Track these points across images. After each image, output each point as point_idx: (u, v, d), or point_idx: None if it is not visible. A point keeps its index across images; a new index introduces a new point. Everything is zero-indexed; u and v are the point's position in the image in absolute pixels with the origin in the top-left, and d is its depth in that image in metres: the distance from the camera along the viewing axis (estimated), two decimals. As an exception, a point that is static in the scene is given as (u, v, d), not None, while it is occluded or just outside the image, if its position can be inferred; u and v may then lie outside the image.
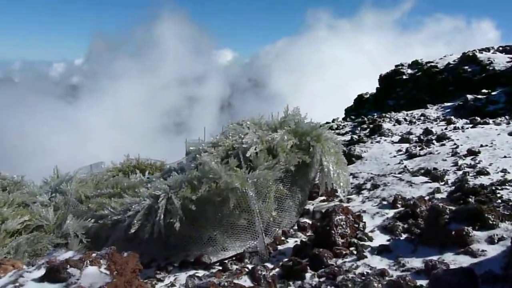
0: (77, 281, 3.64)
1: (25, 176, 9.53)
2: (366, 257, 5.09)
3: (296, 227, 6.86)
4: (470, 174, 7.69)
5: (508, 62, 22.29)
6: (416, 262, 4.71)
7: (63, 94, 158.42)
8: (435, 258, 4.62)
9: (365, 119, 18.81)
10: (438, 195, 6.99)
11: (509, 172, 7.50)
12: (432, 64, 26.31)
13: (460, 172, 8.00)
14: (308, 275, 4.89)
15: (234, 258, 5.98)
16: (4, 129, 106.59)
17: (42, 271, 4.01)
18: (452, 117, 14.68)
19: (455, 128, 12.42)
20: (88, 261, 4.09)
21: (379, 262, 4.94)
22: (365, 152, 11.28)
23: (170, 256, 6.39)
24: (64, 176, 8.00)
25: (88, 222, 6.32)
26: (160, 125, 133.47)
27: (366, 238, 5.64)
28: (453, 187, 7.15)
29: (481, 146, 9.59)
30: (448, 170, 8.25)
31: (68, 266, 3.87)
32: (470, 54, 24.20)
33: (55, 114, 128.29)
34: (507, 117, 13.61)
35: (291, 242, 6.27)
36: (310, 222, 6.92)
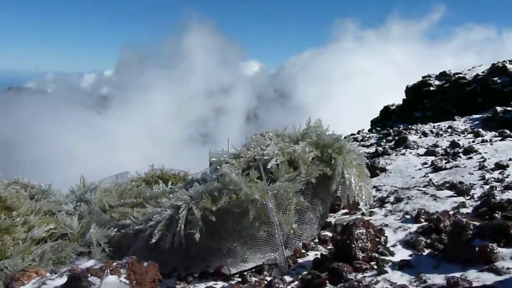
0: (96, 290, 3.73)
1: (53, 185, 9.81)
2: (386, 272, 5.01)
3: (317, 240, 6.81)
4: (498, 189, 7.47)
5: (540, 73, 21.67)
6: (438, 279, 4.61)
7: (94, 105, 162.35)
8: (457, 275, 4.50)
9: (391, 131, 18.56)
10: (463, 210, 6.83)
11: (538, 187, 7.27)
12: (460, 75, 25.78)
13: (487, 187, 7.79)
14: (327, 289, 4.85)
15: (253, 270, 5.98)
16: (36, 138, 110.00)
17: (64, 279, 4.12)
18: (481, 129, 14.30)
19: (483, 141, 12.12)
20: (108, 270, 4.18)
21: (399, 278, 4.84)
22: (389, 164, 11.13)
23: (191, 267, 6.44)
24: (89, 185, 8.19)
25: (111, 231, 6.44)
26: (187, 136, 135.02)
27: (387, 253, 5.54)
28: (479, 202, 6.97)
29: (510, 159, 9.31)
30: (474, 184, 8.05)
31: (89, 274, 3.96)
32: (500, 65, 23.60)
33: (85, 124, 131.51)
34: (538, 130, 13.18)
35: (311, 255, 6.23)
36: (331, 235, 6.87)
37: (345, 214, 7.95)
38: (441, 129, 16.10)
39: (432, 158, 11.03)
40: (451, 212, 6.65)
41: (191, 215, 5.94)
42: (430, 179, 9.03)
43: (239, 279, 5.77)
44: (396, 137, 15.65)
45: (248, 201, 5.87)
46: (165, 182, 8.94)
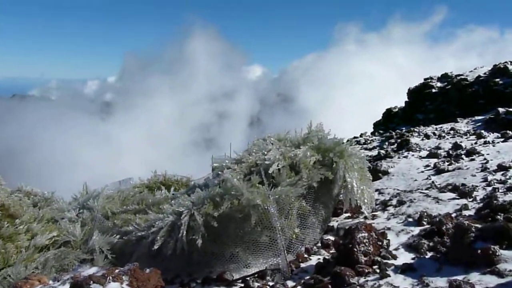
0: (98, 297, 3.74)
1: (57, 192, 9.86)
2: (389, 276, 4.99)
3: (319, 244, 6.80)
4: (500, 190, 7.46)
5: (542, 73, 21.63)
6: (440, 282, 4.59)
7: (97, 111, 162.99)
8: (460, 277, 4.49)
9: (393, 133, 18.57)
10: (465, 212, 6.82)
11: (541, 188, 7.25)
12: (462, 77, 25.76)
13: (489, 188, 7.78)
14: (329, 293, 4.84)
15: (256, 275, 5.97)
16: (40, 145, 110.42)
17: (66, 287, 4.14)
18: (483, 131, 14.30)
19: (485, 143, 12.11)
20: (110, 277, 4.20)
21: (402, 281, 4.83)
22: (392, 167, 11.13)
23: (193, 273, 6.44)
24: (92, 192, 8.22)
25: (114, 238, 6.45)
26: (190, 141, 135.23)
27: (389, 256, 5.53)
28: (482, 204, 6.96)
29: (512, 161, 9.30)
30: (477, 186, 8.04)
31: (91, 282, 3.99)
32: (502, 66, 23.57)
33: (89, 130, 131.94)
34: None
35: (314, 260, 6.22)
36: (334, 239, 6.86)
37: (348, 218, 7.93)
38: (444, 131, 16.09)
39: (435, 160, 11.03)
40: (453, 215, 6.63)
41: (193, 221, 5.94)
42: (433, 182, 9.02)
43: (242, 285, 5.76)
44: (399, 140, 15.66)
45: (250, 206, 5.87)
46: (168, 188, 8.95)
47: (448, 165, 10.13)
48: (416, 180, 9.73)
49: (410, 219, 6.98)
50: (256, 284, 5.60)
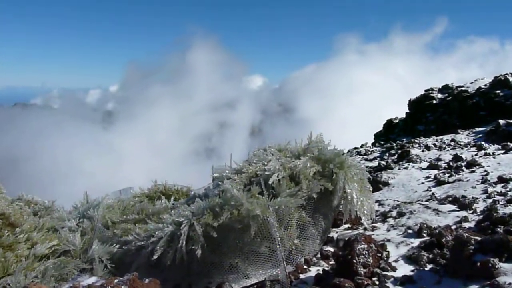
0: (96, 307, 3.74)
1: (58, 200, 9.88)
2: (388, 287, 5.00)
3: (319, 255, 6.79)
4: (500, 203, 7.47)
5: (543, 85, 21.69)
6: (439, 294, 4.60)
7: (99, 120, 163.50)
8: (459, 290, 4.49)
9: (394, 144, 18.57)
10: (465, 224, 6.82)
11: (541, 201, 7.25)
12: (463, 88, 25.85)
13: (489, 200, 7.79)
14: (328, 305, 4.83)
15: (255, 286, 5.96)
16: (42, 153, 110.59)
17: (65, 296, 4.14)
18: (483, 142, 14.30)
19: (486, 154, 12.12)
20: (110, 287, 4.20)
21: (401, 294, 4.84)
22: (392, 178, 11.14)
23: (193, 283, 6.43)
24: (92, 201, 8.22)
25: (113, 247, 6.44)
26: (191, 150, 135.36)
27: (389, 268, 5.53)
28: (482, 216, 6.96)
29: (513, 173, 9.31)
30: (477, 198, 8.04)
31: (90, 291, 3.98)
32: (502, 78, 23.65)
33: (91, 139, 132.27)
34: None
35: (313, 271, 6.21)
36: (333, 250, 6.85)
37: (348, 229, 7.93)
38: (444, 143, 16.10)
39: (435, 172, 11.03)
40: (453, 227, 6.63)
41: (192, 231, 5.94)
42: (433, 193, 9.03)
43: (241, 295, 5.76)
44: (399, 151, 15.66)
45: (250, 217, 5.87)
46: (168, 197, 8.95)
47: (449, 176, 10.13)
48: (416, 191, 9.74)
49: (410, 231, 6.98)
50: (255, 295, 5.59)
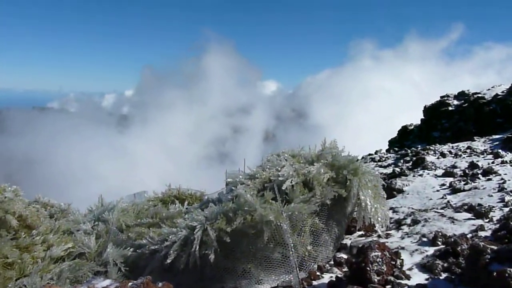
0: (110, 310, 3.78)
1: (73, 202, 10.02)
2: (402, 296, 4.95)
3: (332, 262, 6.76)
4: (517, 212, 7.35)
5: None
6: (454, 304, 4.54)
7: (114, 124, 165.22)
8: (475, 300, 4.43)
9: (408, 151, 18.41)
10: (481, 233, 6.72)
11: (560, 210, 7.12)
12: (479, 95, 25.52)
13: (506, 209, 7.67)
14: (341, 312, 4.80)
15: (268, 292, 5.96)
16: (58, 156, 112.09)
17: (80, 298, 4.19)
18: (500, 150, 14.10)
19: (502, 162, 11.94)
20: (123, 290, 4.24)
21: (415, 302, 4.79)
22: (406, 185, 11.04)
23: (205, 287, 6.44)
24: (107, 204, 8.31)
25: (127, 251, 6.50)
26: (205, 155, 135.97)
27: (403, 276, 5.48)
28: (498, 225, 6.85)
29: (531, 181, 9.17)
30: (493, 207, 7.93)
31: (104, 294, 4.03)
32: (520, 85, 23.33)
33: (106, 143, 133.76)
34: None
35: (326, 278, 6.17)
36: (347, 257, 6.81)
37: (361, 236, 7.87)
38: (460, 150, 15.91)
39: (451, 179, 10.91)
40: (469, 235, 6.54)
41: (206, 235, 5.97)
42: (448, 201, 8.92)
43: (254, 301, 5.75)
44: (414, 158, 15.52)
45: (263, 222, 5.88)
46: (182, 202, 9.01)
47: (464, 184, 10.01)
48: (431, 199, 9.64)
49: (425, 239, 6.91)
50: (268, 301, 5.58)
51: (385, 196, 7.57)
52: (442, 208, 8.48)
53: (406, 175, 12.57)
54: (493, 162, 12.32)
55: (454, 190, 9.81)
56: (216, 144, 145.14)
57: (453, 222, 7.48)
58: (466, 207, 8.15)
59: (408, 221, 8.09)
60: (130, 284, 4.45)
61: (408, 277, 5.48)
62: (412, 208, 9.05)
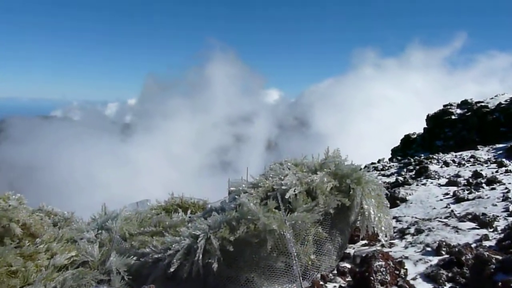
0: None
1: (76, 210, 10.04)
2: (406, 306, 4.93)
3: (335, 272, 6.72)
4: (522, 221, 7.32)
5: None
6: (459, 314, 4.51)
7: (117, 132, 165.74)
8: (479, 310, 4.41)
9: (412, 160, 18.37)
10: (486, 243, 6.68)
11: None
12: (483, 104, 25.52)
13: (511, 219, 7.64)
14: (345, 322, 4.78)
15: (271, 301, 5.94)
16: (61, 164, 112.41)
17: (83, 307, 4.19)
18: (504, 159, 14.05)
19: (507, 171, 11.91)
20: (127, 299, 4.24)
21: (419, 312, 4.77)
22: (410, 195, 11.01)
23: (208, 297, 6.43)
24: (110, 213, 8.33)
25: (131, 259, 6.50)
26: (207, 163, 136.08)
27: (407, 286, 5.45)
28: (503, 235, 6.82)
29: (535, 191, 9.14)
30: (498, 216, 7.89)
31: (108, 303, 4.03)
32: (524, 94, 23.34)
33: (109, 151, 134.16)
34: None
35: (330, 287, 6.16)
36: (350, 267, 6.78)
37: (365, 245, 7.84)
38: (463, 159, 15.88)
39: (454, 188, 10.88)
40: (473, 245, 6.52)
41: (209, 244, 5.97)
42: (452, 210, 8.88)
43: (257, 311, 5.73)
44: (417, 167, 15.48)
45: (266, 231, 5.87)
46: (185, 210, 9.01)
47: (468, 193, 9.98)
48: (434, 208, 9.60)
49: (429, 248, 6.87)
50: (271, 311, 5.56)
51: (389, 205, 7.56)
52: (446, 218, 8.45)
53: (410, 184, 12.54)
54: (497, 171, 12.28)
55: (457, 199, 9.77)
56: (218, 152, 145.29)
57: (457, 231, 7.44)
58: (470, 216, 8.11)
59: (412, 230, 8.05)
60: (133, 293, 4.45)
61: (412, 287, 5.46)
62: (416, 218, 9.02)
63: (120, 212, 8.18)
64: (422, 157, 18.55)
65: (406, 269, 6.01)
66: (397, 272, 5.66)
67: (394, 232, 8.06)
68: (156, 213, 9.05)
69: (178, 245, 6.14)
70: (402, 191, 11.14)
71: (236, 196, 6.86)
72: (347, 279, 6.38)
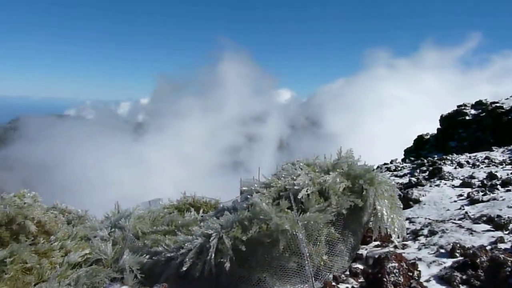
0: (128, 317, 3.81)
1: (89, 208, 10.14)
2: (419, 308, 4.89)
3: (347, 273, 6.69)
4: (538, 224, 7.21)
5: None
6: (473, 317, 4.46)
7: (130, 131, 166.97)
8: (494, 314, 4.35)
9: (425, 161, 18.21)
10: (501, 245, 6.59)
11: None
12: (497, 104, 25.19)
13: (526, 221, 7.52)
14: (357, 324, 4.76)
15: (283, 301, 5.93)
16: (74, 162, 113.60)
17: (97, 305, 4.22)
18: (520, 160, 13.88)
19: (522, 173, 11.74)
20: (140, 297, 4.26)
21: (433, 315, 4.72)
22: (423, 196, 10.91)
23: (220, 296, 6.44)
24: (123, 211, 8.39)
25: (143, 258, 6.54)
26: (219, 163, 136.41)
27: (420, 288, 5.40)
28: (518, 237, 6.74)
29: (551, 193, 9.00)
30: (513, 218, 7.78)
31: (121, 301, 4.06)
32: (540, 94, 22.98)
33: (121, 150, 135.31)
34: None
35: (342, 288, 6.14)
36: (363, 268, 6.74)
37: (377, 246, 7.80)
38: (478, 160, 15.69)
39: (468, 190, 10.75)
40: (488, 247, 6.42)
41: (221, 244, 5.98)
42: (466, 212, 8.79)
43: (268, 310, 5.73)
44: (431, 168, 15.34)
45: (278, 231, 5.87)
46: (197, 209, 9.05)
47: (483, 195, 9.86)
48: (448, 209, 9.50)
49: (442, 250, 6.81)
50: (283, 311, 5.55)
51: (402, 206, 7.49)
52: (460, 219, 8.36)
53: (423, 185, 12.44)
54: (512, 173, 12.13)
55: (472, 201, 9.66)
56: (230, 152, 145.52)
57: (471, 233, 7.36)
58: (484, 218, 8.02)
59: (425, 232, 7.98)
60: (146, 291, 4.48)
61: (425, 289, 5.41)
62: (429, 219, 8.94)
63: (133, 211, 8.24)
64: (436, 158, 18.38)
65: (420, 271, 5.96)
66: (410, 274, 5.61)
67: (407, 234, 8.00)
68: (168, 212, 9.10)
69: (191, 244, 6.16)
70: (415, 192, 11.04)
71: (249, 196, 6.87)
72: (360, 280, 6.35)
